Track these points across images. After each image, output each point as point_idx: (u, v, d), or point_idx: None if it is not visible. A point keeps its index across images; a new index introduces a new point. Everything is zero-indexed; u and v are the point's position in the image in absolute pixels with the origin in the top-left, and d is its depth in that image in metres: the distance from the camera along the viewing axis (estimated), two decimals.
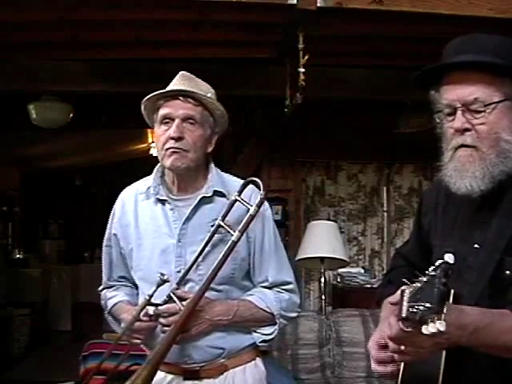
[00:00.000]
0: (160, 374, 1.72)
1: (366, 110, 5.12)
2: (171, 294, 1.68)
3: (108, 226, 1.91)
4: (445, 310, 1.00)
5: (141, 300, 1.77)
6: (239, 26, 3.24)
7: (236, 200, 1.75)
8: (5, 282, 6.69)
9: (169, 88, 1.77)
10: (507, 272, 1.23)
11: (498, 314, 1.16)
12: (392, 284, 1.59)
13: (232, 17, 3.02)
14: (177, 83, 1.78)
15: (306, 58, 3.02)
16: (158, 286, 1.67)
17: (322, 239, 4.20)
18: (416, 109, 4.54)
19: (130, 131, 6.32)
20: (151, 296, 1.68)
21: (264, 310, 1.80)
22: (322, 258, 4.17)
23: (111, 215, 1.90)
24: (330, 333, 3.41)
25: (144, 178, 1.89)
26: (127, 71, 3.94)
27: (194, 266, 1.71)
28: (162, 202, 1.80)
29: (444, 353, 1.19)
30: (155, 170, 1.85)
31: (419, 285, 1.05)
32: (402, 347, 1.15)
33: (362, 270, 5.47)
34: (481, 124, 1.27)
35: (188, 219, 1.76)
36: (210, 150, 1.82)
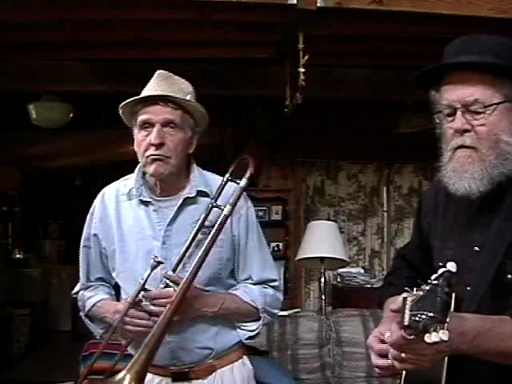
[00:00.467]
0: (148, 376, 1.71)
1: (366, 109, 5.12)
2: (165, 280, 1.67)
3: (86, 225, 1.87)
4: (448, 320, 1.00)
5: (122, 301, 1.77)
6: (239, 26, 3.24)
7: (212, 206, 1.74)
8: (5, 281, 6.69)
9: (147, 91, 1.74)
10: (509, 276, 1.22)
11: (498, 321, 1.16)
12: (393, 286, 1.59)
13: (232, 17, 3.02)
14: (155, 85, 1.74)
15: (306, 58, 3.02)
16: (153, 268, 1.66)
17: (322, 239, 4.20)
18: (416, 109, 4.54)
19: (130, 131, 6.28)
20: (145, 281, 1.66)
21: (249, 304, 1.79)
22: (322, 258, 4.17)
23: (90, 215, 1.87)
24: (330, 333, 3.40)
25: (123, 178, 1.87)
26: (127, 71, 3.95)
27: (181, 265, 1.70)
28: (145, 203, 1.78)
29: (446, 357, 1.19)
30: (136, 171, 1.83)
31: (421, 293, 1.04)
32: (403, 354, 1.15)
33: (362, 270, 5.47)
34: (480, 125, 1.26)
35: (172, 221, 1.75)
36: (191, 150, 1.80)
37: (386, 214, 5.91)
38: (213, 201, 1.75)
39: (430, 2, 2.75)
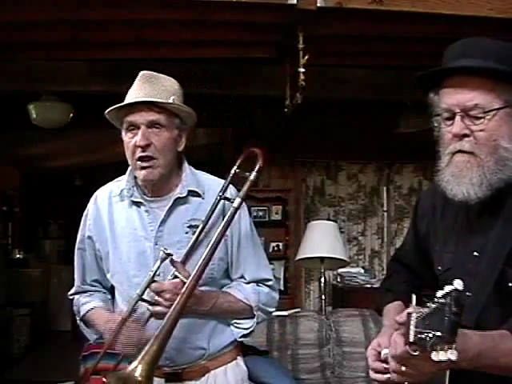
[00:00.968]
0: None
1: (366, 109, 5.12)
2: (175, 273, 1.65)
3: (81, 228, 1.88)
4: (461, 334, 0.99)
5: (120, 305, 1.77)
6: (239, 26, 3.24)
7: (221, 198, 1.73)
8: (5, 281, 6.69)
9: (131, 95, 1.73)
10: (510, 284, 1.22)
11: (499, 338, 1.15)
12: (391, 292, 1.59)
13: (232, 17, 3.02)
14: (138, 89, 1.74)
15: (306, 57, 3.02)
16: (162, 260, 1.65)
17: (322, 239, 4.20)
18: (416, 109, 4.54)
19: None
20: (155, 273, 1.65)
21: (242, 302, 1.78)
22: (321, 258, 4.17)
23: (84, 217, 1.87)
24: (330, 333, 3.40)
25: (116, 179, 1.87)
26: (127, 71, 3.93)
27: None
28: (137, 204, 1.78)
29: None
30: (128, 171, 1.82)
31: (427, 310, 1.03)
32: (403, 368, 1.15)
33: (362, 270, 5.47)
34: (480, 130, 1.25)
35: (163, 221, 1.74)
36: (181, 148, 1.79)
37: (385, 214, 5.91)
38: (221, 193, 1.73)
39: (430, 2, 2.75)
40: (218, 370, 1.78)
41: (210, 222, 1.73)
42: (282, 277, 5.32)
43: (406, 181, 5.86)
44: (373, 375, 1.35)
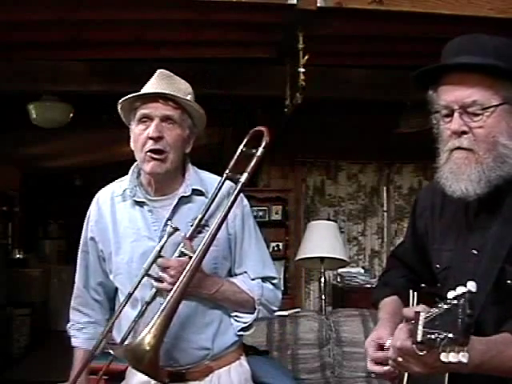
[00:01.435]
0: (144, 377, 1.70)
1: (366, 109, 5.12)
2: (183, 249, 1.66)
3: (83, 231, 1.87)
4: (470, 343, 0.98)
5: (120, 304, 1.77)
6: (239, 26, 3.24)
7: (227, 177, 1.73)
8: (5, 281, 6.69)
9: (147, 89, 1.74)
10: (509, 282, 1.22)
11: (502, 344, 1.14)
12: (388, 286, 1.59)
13: (232, 17, 3.02)
14: (155, 83, 1.74)
15: (306, 57, 3.02)
16: (169, 235, 1.66)
17: (322, 239, 4.20)
18: (416, 109, 4.54)
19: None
20: (162, 247, 1.66)
21: (245, 293, 1.78)
22: (321, 258, 4.17)
23: (86, 220, 1.86)
24: (330, 333, 3.40)
25: (119, 179, 1.86)
26: (127, 71, 3.94)
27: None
28: (140, 204, 1.77)
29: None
30: (131, 171, 1.82)
31: (437, 311, 1.02)
32: (400, 359, 1.15)
33: (362, 270, 5.47)
34: (478, 127, 1.24)
35: (168, 221, 1.73)
36: (188, 150, 1.79)
37: (385, 214, 5.91)
38: (227, 171, 1.74)
39: (430, 2, 2.75)
40: (222, 370, 1.78)
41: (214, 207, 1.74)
42: (282, 277, 5.32)
43: (406, 181, 5.86)
44: (372, 367, 1.35)
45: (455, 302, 0.99)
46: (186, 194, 1.76)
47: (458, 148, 1.27)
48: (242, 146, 1.78)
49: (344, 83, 4.17)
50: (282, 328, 3.39)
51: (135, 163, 1.82)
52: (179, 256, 1.67)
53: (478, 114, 1.24)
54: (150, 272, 1.67)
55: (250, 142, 1.80)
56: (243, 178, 1.70)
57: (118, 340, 1.75)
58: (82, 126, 5.64)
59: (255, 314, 1.80)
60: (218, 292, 1.73)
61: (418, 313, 1.05)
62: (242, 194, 1.82)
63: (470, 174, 1.25)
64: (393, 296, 1.54)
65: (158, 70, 1.80)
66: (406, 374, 1.34)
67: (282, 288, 1.95)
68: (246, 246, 1.82)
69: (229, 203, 1.69)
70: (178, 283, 1.60)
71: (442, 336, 0.98)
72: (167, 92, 1.70)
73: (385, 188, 5.90)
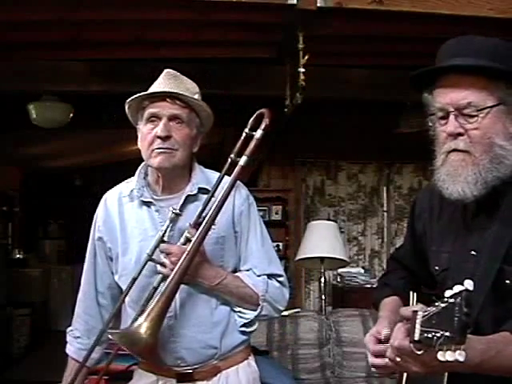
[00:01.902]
0: (151, 378, 1.71)
1: (366, 109, 5.12)
2: (187, 235, 1.66)
3: (91, 233, 1.86)
4: (467, 341, 0.98)
5: (128, 309, 1.77)
6: (239, 26, 3.24)
7: (229, 158, 1.73)
8: (5, 281, 6.69)
9: (155, 88, 1.74)
10: (507, 281, 1.21)
11: (502, 343, 1.14)
12: (388, 286, 1.59)
13: (232, 17, 3.02)
14: (162, 83, 1.74)
15: (306, 58, 3.02)
16: (171, 220, 1.67)
17: (322, 239, 4.20)
18: (416, 109, 4.53)
19: (130, 131, 6.28)
20: (164, 232, 1.67)
21: (249, 288, 1.76)
22: (321, 258, 4.17)
23: (94, 222, 1.85)
24: (330, 333, 3.40)
25: (126, 181, 1.86)
26: (127, 71, 3.94)
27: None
28: (147, 204, 1.77)
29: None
30: (138, 172, 1.82)
31: (434, 309, 1.01)
32: (398, 359, 1.15)
33: (362, 270, 5.47)
34: (474, 129, 1.24)
35: (174, 220, 1.73)
36: (195, 149, 1.79)
37: (385, 214, 5.92)
38: (232, 155, 1.73)
39: (430, 2, 2.75)
40: (230, 370, 1.77)
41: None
42: None
43: (406, 181, 5.86)
44: (373, 360, 1.34)
45: (452, 300, 0.99)
46: (192, 193, 1.76)
47: (455, 150, 1.27)
48: (246, 129, 1.77)
49: (344, 83, 4.17)
50: (282, 328, 3.39)
51: (142, 163, 1.82)
52: (184, 242, 1.67)
53: (473, 116, 1.24)
54: (154, 257, 1.68)
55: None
56: (242, 160, 1.70)
57: None
58: (82, 126, 5.64)
59: (258, 310, 1.78)
60: (221, 284, 1.72)
61: (415, 312, 1.05)
62: (247, 191, 1.84)
63: (466, 176, 1.25)
64: (393, 296, 1.54)
65: (165, 70, 1.80)
66: (405, 375, 1.34)
67: (289, 286, 1.92)
68: (251, 243, 1.82)
69: (228, 185, 1.68)
70: (176, 267, 1.61)
71: (438, 335, 0.98)
72: (175, 91, 1.70)
73: (385, 188, 5.90)
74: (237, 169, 1.70)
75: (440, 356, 0.98)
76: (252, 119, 1.79)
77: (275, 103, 3.75)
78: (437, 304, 1.01)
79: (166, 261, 1.66)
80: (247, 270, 1.81)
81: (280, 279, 1.84)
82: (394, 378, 1.41)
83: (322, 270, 4.27)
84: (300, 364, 3.31)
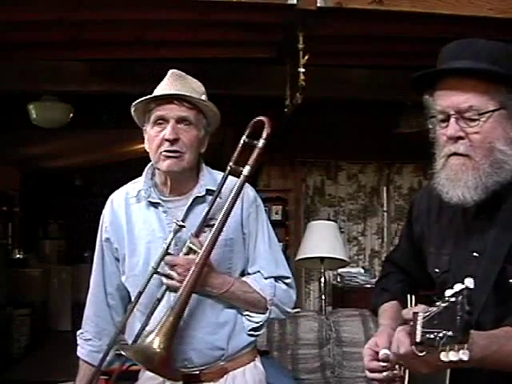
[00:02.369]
0: (158, 379, 1.70)
1: (366, 109, 5.12)
2: (190, 245, 1.66)
3: (98, 235, 1.84)
4: (470, 340, 0.97)
5: (135, 311, 1.76)
6: (239, 26, 3.24)
7: (230, 168, 1.73)
8: (5, 281, 6.69)
9: (161, 90, 1.73)
10: (510, 280, 1.21)
11: (504, 338, 1.13)
12: (386, 291, 1.58)
13: (232, 17, 3.02)
14: (168, 84, 1.74)
15: (306, 58, 3.02)
16: (175, 232, 1.66)
17: (322, 239, 4.20)
18: (416, 109, 4.54)
19: (130, 131, 6.28)
20: (169, 245, 1.66)
21: (257, 293, 1.76)
22: (321, 258, 4.17)
23: (100, 223, 1.84)
24: (330, 333, 3.41)
25: (132, 181, 1.85)
26: (127, 71, 3.95)
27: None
28: (155, 205, 1.76)
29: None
30: (145, 172, 1.81)
31: (435, 309, 1.00)
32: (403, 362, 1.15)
33: (362, 270, 5.47)
34: (475, 133, 1.23)
35: (183, 221, 1.71)
36: (202, 150, 1.79)
37: (385, 214, 5.91)
38: (230, 163, 1.74)
39: (430, 2, 2.75)
40: (237, 372, 1.77)
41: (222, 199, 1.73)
42: None
43: (406, 181, 5.86)
44: (369, 375, 1.35)
45: (453, 299, 0.98)
46: (200, 195, 1.75)
47: (455, 154, 1.26)
48: (244, 137, 1.77)
49: (344, 83, 4.17)
50: (282, 328, 3.39)
51: (149, 164, 1.82)
52: (187, 252, 1.67)
53: (474, 120, 1.23)
54: (159, 270, 1.67)
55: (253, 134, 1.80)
56: (246, 170, 1.70)
57: (130, 341, 1.74)
58: (82, 126, 5.64)
59: (267, 314, 1.78)
60: (229, 291, 1.72)
61: (416, 313, 1.04)
62: (255, 193, 1.84)
63: (466, 180, 1.24)
64: (392, 301, 1.54)
65: (170, 70, 1.79)
66: (407, 375, 1.34)
67: (295, 287, 1.93)
68: (259, 245, 1.81)
69: (232, 195, 1.68)
70: (185, 281, 1.60)
71: (441, 334, 0.97)
72: (182, 93, 1.69)
73: (385, 188, 5.90)
74: (241, 179, 1.70)
75: (443, 356, 0.97)
76: (250, 126, 1.80)
77: (275, 103, 3.76)
78: (438, 304, 1.01)
79: (173, 273, 1.66)
80: (254, 273, 1.81)
81: (287, 281, 1.84)
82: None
83: (322, 270, 4.27)
84: (300, 364, 3.31)
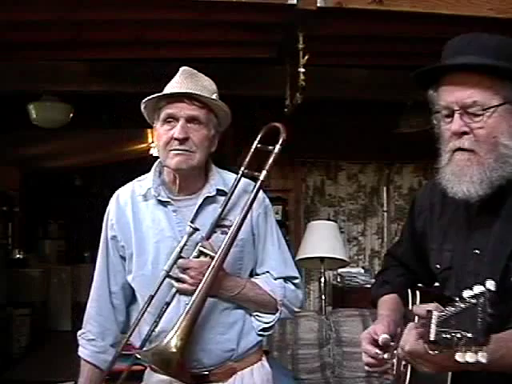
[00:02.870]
0: (166, 380, 1.69)
1: (366, 109, 5.12)
2: (201, 248, 1.66)
3: (103, 231, 1.81)
4: (490, 343, 0.96)
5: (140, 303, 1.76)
6: (239, 26, 3.24)
7: (242, 174, 1.74)
8: (5, 281, 6.69)
9: (172, 88, 1.71)
10: None
11: (511, 341, 1.13)
12: (387, 284, 1.59)
13: (232, 17, 3.02)
14: (179, 82, 1.72)
15: (306, 58, 3.02)
16: (189, 235, 1.66)
17: (322, 239, 4.20)
18: (416, 109, 4.54)
19: (130, 131, 6.32)
20: (182, 248, 1.65)
21: (268, 294, 1.76)
22: (321, 258, 4.17)
23: (105, 220, 1.81)
24: (330, 333, 3.41)
25: (138, 179, 1.83)
26: (127, 71, 3.94)
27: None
28: (164, 203, 1.74)
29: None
30: (153, 170, 1.79)
31: (453, 310, 0.99)
32: (413, 361, 1.14)
33: (362, 270, 5.47)
34: (479, 128, 1.24)
35: (192, 221, 1.70)
36: (213, 149, 1.78)
37: (385, 214, 5.91)
38: (243, 168, 1.74)
39: (430, 2, 2.75)
40: (245, 371, 1.76)
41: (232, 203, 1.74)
42: None
43: (406, 181, 5.85)
44: (365, 358, 1.36)
45: (473, 301, 0.97)
46: (210, 195, 1.75)
47: (460, 149, 1.26)
48: (256, 143, 1.79)
49: (344, 83, 4.16)
50: (282, 328, 3.39)
51: (157, 161, 1.80)
52: (198, 255, 1.66)
53: (478, 115, 1.24)
54: (170, 273, 1.66)
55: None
56: (262, 175, 1.71)
57: (137, 344, 1.73)
58: (82, 126, 5.63)
59: (277, 314, 1.78)
60: (240, 294, 1.72)
61: (430, 311, 1.03)
62: (263, 194, 1.84)
63: (472, 175, 1.25)
64: (392, 294, 1.54)
65: (182, 68, 1.78)
66: (409, 373, 1.34)
67: (303, 287, 1.94)
68: (268, 246, 1.82)
69: (249, 202, 1.68)
70: (201, 284, 1.60)
71: (459, 335, 0.96)
72: (193, 92, 1.68)
73: (385, 188, 5.89)
74: (257, 184, 1.71)
75: (459, 357, 0.97)
76: (262, 132, 1.81)
77: (275, 103, 3.76)
78: (456, 304, 0.99)
79: (185, 276, 1.65)
80: (263, 273, 1.81)
81: (295, 281, 1.85)
82: (389, 376, 1.41)
83: (322, 270, 4.27)
84: (300, 364, 3.32)
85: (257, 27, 3.25)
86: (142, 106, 1.73)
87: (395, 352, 1.28)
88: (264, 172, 1.72)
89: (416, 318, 1.20)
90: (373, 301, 1.59)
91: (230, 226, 1.69)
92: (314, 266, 4.75)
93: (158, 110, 1.72)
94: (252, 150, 1.79)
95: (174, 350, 1.54)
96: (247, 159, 1.77)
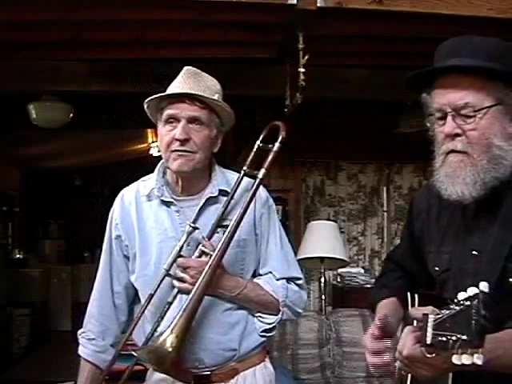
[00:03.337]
0: (168, 380, 1.69)
1: (366, 109, 5.12)
2: (201, 248, 1.66)
3: (107, 231, 1.81)
4: (485, 345, 0.96)
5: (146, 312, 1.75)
6: (239, 26, 3.23)
7: (244, 174, 1.74)
8: (5, 281, 6.69)
9: (174, 88, 1.71)
10: (511, 279, 1.21)
11: (508, 341, 1.13)
12: (386, 288, 1.59)
13: (232, 17, 3.02)
14: (182, 82, 1.72)
15: (306, 58, 3.02)
16: (189, 234, 1.65)
17: (322, 239, 4.20)
18: (416, 109, 4.52)
19: (130, 131, 6.32)
20: (181, 247, 1.65)
21: (270, 295, 1.76)
22: (321, 258, 4.17)
23: (109, 219, 1.81)
24: (330, 333, 3.41)
25: (142, 179, 1.83)
26: (127, 71, 3.94)
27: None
28: (167, 203, 1.74)
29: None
30: (157, 171, 1.79)
31: (448, 312, 0.99)
32: (412, 365, 1.14)
33: (362, 270, 5.46)
34: (472, 129, 1.24)
35: (195, 221, 1.70)
36: (216, 149, 1.77)
37: (385, 214, 5.91)
38: (244, 168, 1.74)
39: (430, 2, 2.75)
40: (247, 372, 1.76)
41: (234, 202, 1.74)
42: None
43: (406, 181, 5.85)
44: (371, 359, 1.35)
45: (467, 303, 0.97)
46: (213, 195, 1.74)
47: (453, 151, 1.27)
48: (258, 142, 1.78)
49: (344, 83, 4.16)
50: (281, 328, 3.39)
51: (160, 162, 1.80)
52: (199, 255, 1.66)
53: (470, 116, 1.24)
54: (170, 272, 1.66)
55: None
56: (261, 173, 1.71)
57: (139, 343, 1.73)
58: (82, 126, 5.64)
59: (279, 315, 1.77)
60: (241, 294, 1.72)
61: (426, 315, 1.03)
62: (267, 193, 1.83)
63: (465, 177, 1.25)
64: (391, 298, 1.54)
65: (185, 67, 1.78)
66: (410, 375, 1.34)
67: (306, 288, 1.93)
68: (271, 246, 1.81)
69: (247, 199, 1.68)
70: (198, 282, 1.60)
71: (454, 338, 0.96)
72: (194, 92, 1.67)
73: (385, 188, 5.89)
74: (256, 182, 1.70)
75: (455, 360, 0.97)
76: (265, 131, 1.80)
77: (275, 103, 3.76)
78: (450, 307, 1.00)
79: (185, 276, 1.65)
80: (266, 273, 1.81)
81: (298, 282, 1.84)
82: (393, 378, 1.41)
83: (322, 270, 4.27)
84: (300, 364, 3.32)
85: (257, 27, 3.25)
86: (145, 106, 1.73)
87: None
88: (263, 170, 1.71)
89: (415, 321, 1.20)
90: (371, 305, 1.59)
91: (227, 224, 1.69)
92: (314, 266, 4.75)
93: (160, 110, 1.72)
94: (254, 149, 1.78)
95: (169, 348, 1.53)
96: (250, 158, 1.76)
